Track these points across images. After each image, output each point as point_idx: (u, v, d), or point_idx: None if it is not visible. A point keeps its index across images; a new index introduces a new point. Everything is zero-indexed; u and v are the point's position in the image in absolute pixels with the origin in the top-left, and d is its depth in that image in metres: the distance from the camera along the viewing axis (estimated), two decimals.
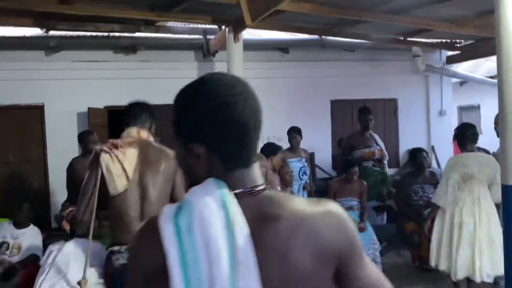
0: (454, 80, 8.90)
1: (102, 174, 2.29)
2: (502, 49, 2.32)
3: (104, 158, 2.31)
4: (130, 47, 6.38)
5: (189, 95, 0.99)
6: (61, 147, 6.32)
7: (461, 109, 12.30)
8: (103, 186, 2.30)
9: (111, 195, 2.30)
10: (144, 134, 2.48)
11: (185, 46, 6.58)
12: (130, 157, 2.33)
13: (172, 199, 2.47)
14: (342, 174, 5.22)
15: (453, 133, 4.25)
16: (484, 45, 6.51)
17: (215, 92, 0.96)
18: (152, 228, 0.90)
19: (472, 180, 3.84)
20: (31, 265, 4.02)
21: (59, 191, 6.25)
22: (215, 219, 0.85)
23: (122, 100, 6.23)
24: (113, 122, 6.60)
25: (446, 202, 3.91)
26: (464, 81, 10.91)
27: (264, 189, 0.95)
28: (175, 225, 0.87)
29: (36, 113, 6.38)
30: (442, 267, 3.98)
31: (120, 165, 2.29)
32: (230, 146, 0.95)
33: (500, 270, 3.54)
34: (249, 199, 0.92)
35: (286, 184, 4.36)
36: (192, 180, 0.98)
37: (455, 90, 9.49)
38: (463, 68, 10.37)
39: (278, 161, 4.43)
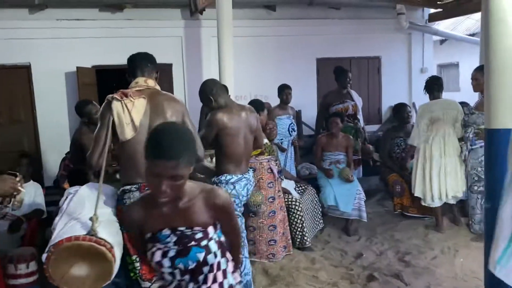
0: (435, 38, 9.09)
1: (113, 121, 2.42)
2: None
3: (116, 105, 2.43)
4: (116, 5, 6.31)
5: None
6: (50, 107, 6.35)
7: (441, 67, 12.58)
8: (114, 133, 2.44)
9: (120, 141, 2.45)
10: (152, 82, 2.60)
11: (172, 4, 6.54)
12: (138, 106, 2.45)
13: None
14: (325, 129, 5.44)
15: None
16: (466, 2, 6.67)
17: None
18: None
19: (438, 122, 4.67)
20: (36, 219, 4.19)
21: (50, 150, 6.34)
22: None
23: (109, 59, 6.33)
24: (101, 81, 6.63)
25: (419, 142, 4.76)
26: (444, 39, 11.13)
27: None
28: None
29: (23, 73, 6.34)
30: (417, 193, 4.85)
31: (128, 113, 2.41)
32: None
33: (460, 194, 4.74)
34: None
35: (269, 138, 4.51)
36: None
37: (435, 48, 9.68)
38: (443, 26, 10.55)
39: (265, 117, 4.56)
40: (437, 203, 4.77)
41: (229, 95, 4.85)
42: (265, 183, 4.07)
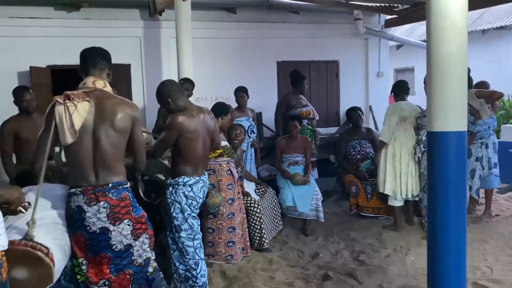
0: (391, 43, 9.39)
1: (56, 124, 2.38)
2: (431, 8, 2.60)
3: (58, 109, 2.37)
4: (73, 4, 6.16)
5: None
6: (2, 108, 6.08)
7: (397, 71, 13.02)
8: (57, 136, 2.40)
9: (63, 145, 2.41)
10: (100, 84, 2.50)
11: (130, 4, 6.45)
12: (80, 110, 2.38)
13: (132, 149, 2.56)
14: (285, 131, 5.52)
15: (391, 88, 5.20)
16: (419, 10, 6.94)
17: None
18: None
19: (405, 121, 4.87)
20: None
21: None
22: None
23: (65, 59, 6.16)
24: (57, 81, 6.43)
25: (389, 138, 4.88)
26: (400, 45, 11.52)
27: None
28: None
29: None
30: (388, 191, 4.93)
31: (69, 118, 2.36)
32: None
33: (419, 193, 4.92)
34: None
35: (234, 146, 4.51)
36: None
37: (392, 53, 10.03)
38: (399, 32, 10.93)
39: (228, 121, 4.55)
40: (401, 202, 4.93)
41: (191, 93, 4.88)
42: (224, 185, 4.09)
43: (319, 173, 6.28)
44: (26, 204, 2.19)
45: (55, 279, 2.26)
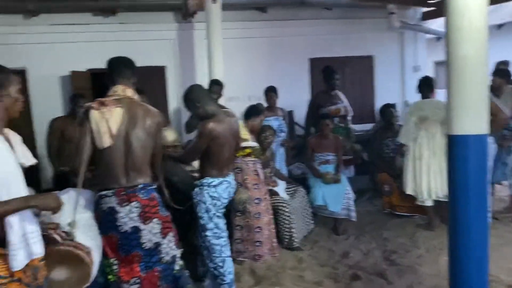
0: (431, 36, 9.08)
1: (91, 129, 2.51)
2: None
3: (94, 115, 2.51)
4: (109, 9, 6.40)
5: None
6: (46, 111, 6.41)
7: (437, 64, 12.56)
8: (92, 141, 2.53)
9: (98, 149, 2.54)
10: (130, 92, 2.64)
11: (164, 7, 6.61)
12: (115, 115, 2.52)
13: (152, 152, 2.68)
14: (316, 130, 5.49)
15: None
16: None
17: None
18: None
19: (427, 121, 4.70)
20: None
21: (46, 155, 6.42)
22: None
23: (103, 63, 6.37)
24: (96, 85, 6.70)
25: (408, 140, 4.78)
26: (441, 36, 11.12)
27: None
28: None
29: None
30: (409, 191, 4.87)
31: (106, 123, 2.50)
32: None
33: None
34: None
35: (263, 147, 4.55)
36: None
37: (432, 45, 9.69)
38: (438, 24, 10.55)
39: (258, 123, 4.57)
40: (428, 202, 4.81)
41: (220, 95, 4.97)
42: (250, 184, 4.12)
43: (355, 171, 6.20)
44: (63, 234, 2.24)
45: (92, 279, 2.36)
